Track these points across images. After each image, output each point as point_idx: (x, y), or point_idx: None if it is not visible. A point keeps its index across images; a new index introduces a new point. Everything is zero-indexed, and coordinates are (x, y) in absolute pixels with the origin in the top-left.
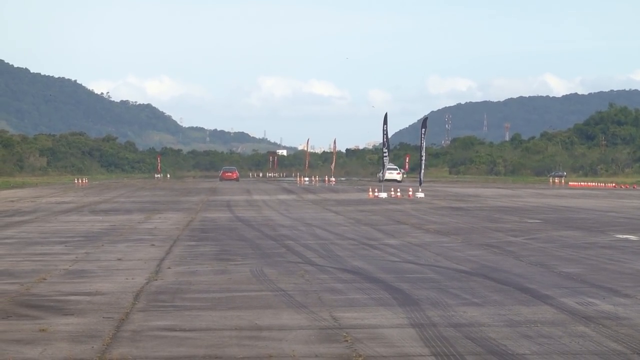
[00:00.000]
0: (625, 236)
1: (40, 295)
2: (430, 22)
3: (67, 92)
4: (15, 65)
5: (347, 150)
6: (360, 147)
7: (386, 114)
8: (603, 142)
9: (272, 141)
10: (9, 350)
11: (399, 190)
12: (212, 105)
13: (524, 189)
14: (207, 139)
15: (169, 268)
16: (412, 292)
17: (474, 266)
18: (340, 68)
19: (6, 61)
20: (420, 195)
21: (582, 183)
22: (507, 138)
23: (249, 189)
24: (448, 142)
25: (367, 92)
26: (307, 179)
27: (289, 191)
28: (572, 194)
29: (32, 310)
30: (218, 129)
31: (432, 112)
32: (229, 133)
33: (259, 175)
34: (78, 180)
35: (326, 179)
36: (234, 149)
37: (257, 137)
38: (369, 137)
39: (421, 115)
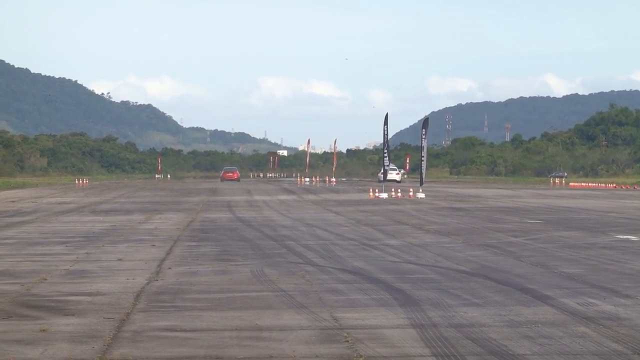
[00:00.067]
0: (625, 237)
1: (41, 295)
2: (430, 22)
3: (67, 92)
4: (16, 66)
5: (347, 150)
6: (361, 148)
7: (387, 114)
8: (604, 143)
9: (273, 141)
10: (10, 351)
11: (399, 190)
12: (213, 106)
13: (524, 190)
14: (208, 139)
15: (170, 268)
16: (412, 293)
17: (474, 267)
18: (341, 68)
19: (7, 61)
20: (421, 195)
21: (582, 183)
22: (508, 138)
23: (249, 190)
24: (449, 142)
25: (367, 92)
26: (307, 179)
27: (290, 191)
28: (572, 195)
29: (32, 311)
30: (218, 130)
31: (433, 112)
32: (229, 133)
33: (259, 176)
34: (78, 180)
35: (327, 179)
36: (235, 149)
37: (258, 137)
38: (370, 138)
39: (421, 116)
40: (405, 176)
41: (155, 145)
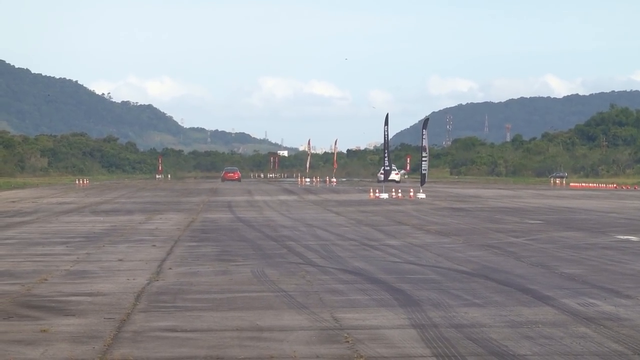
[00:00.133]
0: (626, 237)
1: (42, 296)
2: (431, 22)
3: (68, 92)
4: (17, 66)
5: (348, 151)
6: (362, 148)
7: (387, 115)
8: (604, 143)
9: (273, 142)
10: (10, 351)
11: (400, 191)
12: (213, 106)
13: (525, 190)
14: (208, 139)
15: (170, 269)
16: (413, 293)
17: (475, 267)
18: (341, 69)
19: (7, 62)
20: (421, 196)
21: (583, 184)
22: (508, 139)
23: (250, 190)
24: (449, 142)
25: (368, 92)
26: (308, 179)
27: (290, 192)
28: (573, 195)
29: (33, 311)
30: (219, 130)
31: (433, 112)
32: (230, 134)
33: (260, 176)
34: (79, 180)
35: (327, 179)
36: (235, 149)
37: (258, 137)
38: (370, 138)
39: (422, 116)
40: (406, 176)
41: (156, 145)
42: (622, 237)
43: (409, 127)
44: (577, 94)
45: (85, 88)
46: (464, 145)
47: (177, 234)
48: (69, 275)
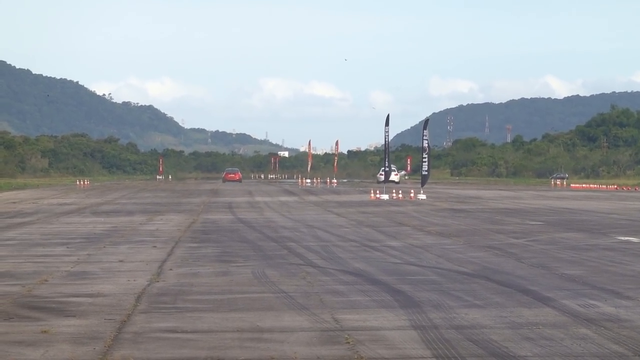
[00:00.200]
0: (627, 238)
1: (42, 296)
2: (431, 23)
3: (68, 93)
4: (17, 67)
5: (348, 151)
6: (362, 149)
7: (388, 116)
8: (605, 144)
9: (274, 143)
10: (11, 352)
11: (400, 192)
12: (214, 107)
13: (525, 191)
14: (209, 140)
15: (171, 270)
16: (413, 294)
17: (475, 268)
18: (342, 69)
19: (8, 62)
20: (422, 197)
21: (583, 185)
22: (509, 140)
23: (250, 191)
24: (450, 143)
25: (368, 93)
26: (308, 180)
27: (291, 193)
28: (573, 196)
29: (33, 312)
30: (220, 131)
31: (434, 113)
32: (230, 134)
33: (260, 177)
34: (80, 181)
35: (328, 180)
36: (236, 150)
37: (259, 138)
38: (371, 139)
39: (423, 117)
40: (407, 177)
41: (157, 146)
42: (622, 238)
43: (409, 127)
44: (577, 95)
45: (86, 89)
46: (465, 146)
47: (178, 235)
48: (70, 276)
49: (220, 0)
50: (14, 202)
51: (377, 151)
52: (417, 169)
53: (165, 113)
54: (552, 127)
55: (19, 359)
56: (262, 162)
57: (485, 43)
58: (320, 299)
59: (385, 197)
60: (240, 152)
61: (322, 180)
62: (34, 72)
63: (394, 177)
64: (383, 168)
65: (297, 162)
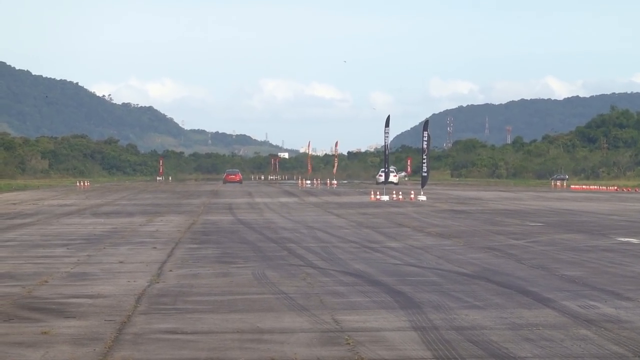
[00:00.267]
0: (626, 239)
1: (42, 297)
2: (432, 24)
3: (68, 94)
4: (17, 68)
5: (348, 153)
6: (362, 150)
7: (388, 117)
8: (605, 145)
9: (274, 144)
10: (11, 353)
11: (400, 193)
12: (214, 108)
13: (525, 192)
14: (209, 141)
15: (171, 271)
16: (414, 295)
17: (475, 269)
18: (342, 71)
19: (8, 63)
20: (422, 198)
21: (583, 186)
22: (509, 141)
23: (250, 192)
24: (450, 145)
25: (369, 94)
26: (308, 181)
27: (291, 194)
28: (573, 197)
29: (34, 313)
30: (220, 132)
31: (434, 114)
32: (230, 136)
33: (260, 178)
34: (80, 182)
35: (328, 181)
36: (236, 151)
37: (259, 139)
38: (371, 140)
39: (423, 118)
40: (406, 179)
41: (157, 147)
42: (622, 239)
43: (409, 129)
44: (577, 96)
45: (86, 90)
46: (465, 148)
47: (178, 236)
48: (70, 277)
49: (220, 1)
50: (14, 204)
51: (377, 152)
52: (417, 170)
53: (165, 114)
54: (552, 128)
55: None
56: (262, 163)
57: (485, 44)
58: (320, 300)
59: (385, 198)
60: (240, 153)
61: (322, 182)
62: (33, 73)
63: (392, 178)
64: (382, 169)
65: (297, 163)
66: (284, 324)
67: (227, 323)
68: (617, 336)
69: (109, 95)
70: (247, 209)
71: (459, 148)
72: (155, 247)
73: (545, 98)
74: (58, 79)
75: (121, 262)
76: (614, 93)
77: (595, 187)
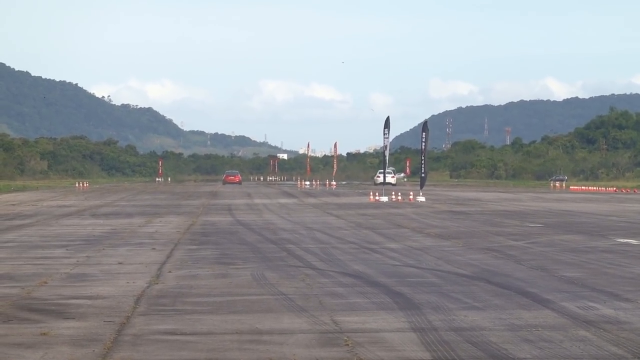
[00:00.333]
0: (626, 240)
1: (42, 299)
2: (431, 25)
3: (68, 95)
4: (17, 69)
5: (348, 154)
6: (362, 151)
7: (388, 118)
8: (604, 146)
9: (273, 145)
10: (10, 354)
11: (400, 194)
12: (213, 109)
13: (524, 193)
14: (208, 142)
15: (170, 272)
16: (413, 296)
17: (475, 270)
18: (342, 72)
19: (7, 64)
20: (421, 199)
21: (583, 187)
22: (508, 142)
23: (249, 193)
24: (449, 146)
25: (368, 95)
26: (307, 182)
27: (290, 195)
28: (572, 198)
29: (33, 314)
30: (219, 133)
31: (433, 115)
32: (229, 137)
33: (259, 179)
34: (79, 183)
35: (327, 182)
36: (235, 152)
37: (258, 140)
38: (370, 141)
39: (422, 119)
40: (405, 180)
41: (156, 148)
42: (621, 240)
43: (409, 130)
44: (577, 97)
45: (85, 91)
46: (464, 149)
47: (177, 237)
48: (69, 278)
49: (220, 2)
50: (13, 204)
51: (376, 153)
52: (416, 172)
53: (165, 115)
54: (551, 129)
55: None
56: (261, 164)
57: (485, 45)
58: (319, 301)
59: (384, 199)
60: (240, 154)
61: (321, 183)
62: (33, 74)
63: (390, 179)
64: (380, 170)
65: (296, 164)
66: (283, 325)
67: (226, 324)
68: (616, 337)
69: (108, 96)
70: (246, 210)
71: (458, 149)
72: (154, 248)
73: (545, 99)
74: (57, 80)
75: (120, 263)
76: (613, 94)
77: (595, 188)
